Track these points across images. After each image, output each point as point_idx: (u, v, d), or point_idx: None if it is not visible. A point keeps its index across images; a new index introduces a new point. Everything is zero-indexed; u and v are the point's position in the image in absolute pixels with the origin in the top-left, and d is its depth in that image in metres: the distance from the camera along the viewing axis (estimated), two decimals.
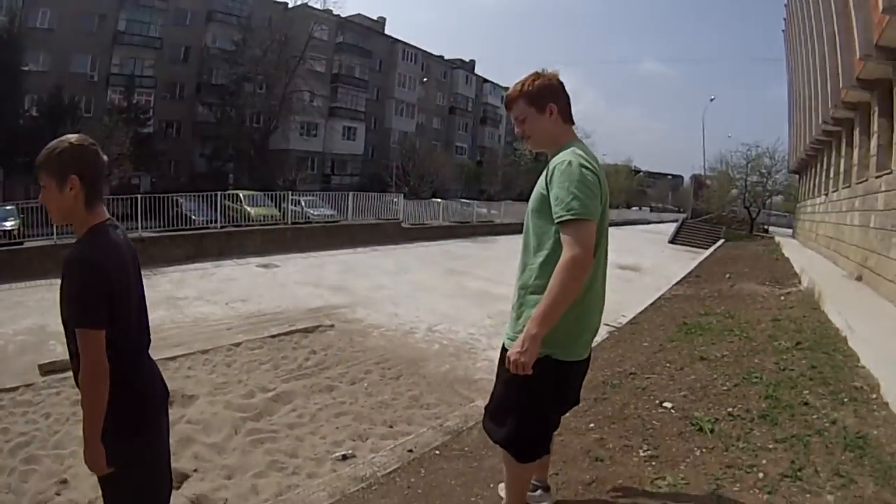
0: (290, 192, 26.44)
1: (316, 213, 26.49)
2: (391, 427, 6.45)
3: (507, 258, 19.62)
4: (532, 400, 2.72)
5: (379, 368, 8.60)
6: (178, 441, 5.58)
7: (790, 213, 46.46)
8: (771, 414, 4.38)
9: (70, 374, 7.08)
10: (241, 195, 25.89)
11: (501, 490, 3.35)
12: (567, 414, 3.18)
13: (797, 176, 36.41)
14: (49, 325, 10.94)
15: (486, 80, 74.47)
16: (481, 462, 4.06)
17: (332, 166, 55.11)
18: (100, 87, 39.80)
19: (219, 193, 23.27)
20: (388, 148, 57.37)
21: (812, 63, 22.52)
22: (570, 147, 2.66)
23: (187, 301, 12.99)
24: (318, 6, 49.61)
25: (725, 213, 48.31)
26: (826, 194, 21.10)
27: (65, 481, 5.13)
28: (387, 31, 62.45)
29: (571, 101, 2.84)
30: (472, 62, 75.10)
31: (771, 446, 3.84)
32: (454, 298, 14.36)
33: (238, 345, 9.45)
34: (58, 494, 4.98)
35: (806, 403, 4.57)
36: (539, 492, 3.27)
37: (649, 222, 64.05)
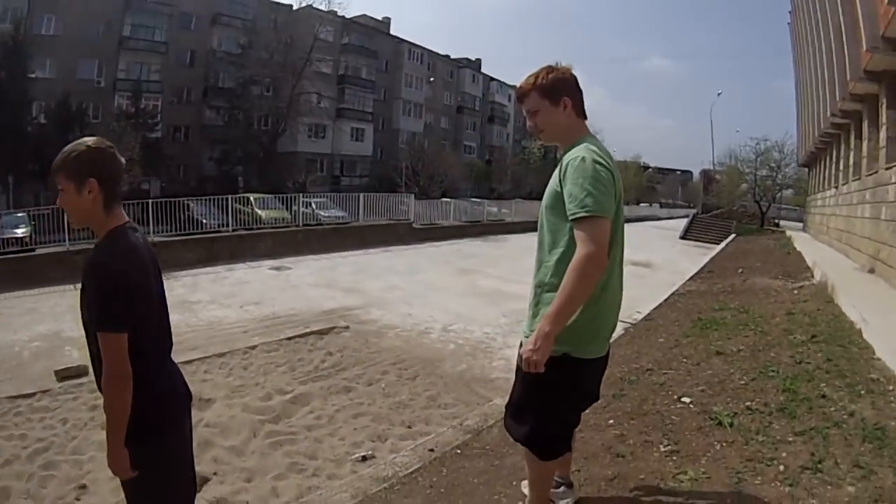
0: (300, 195, 26.54)
1: (326, 214, 26.44)
2: (410, 427, 6.41)
3: (520, 256, 19.73)
4: (552, 398, 2.73)
5: (395, 369, 8.55)
6: (197, 445, 5.51)
7: (800, 207, 46.33)
8: (789, 407, 4.41)
9: (86, 379, 7.16)
10: (251, 198, 25.92)
11: (524, 487, 3.35)
12: (587, 411, 3.17)
13: (807, 169, 36.30)
14: (63, 330, 11.00)
15: (492, 79, 74.55)
16: (503, 460, 4.07)
17: (342, 168, 55.21)
18: (107, 92, 40.03)
19: (229, 197, 23.32)
20: (396, 148, 57.30)
21: (819, 56, 22.48)
22: (584, 142, 2.65)
23: (201, 305, 13.00)
24: (322, 7, 49.73)
25: (735, 208, 48.15)
26: (836, 187, 21.04)
27: (84, 486, 5.12)
28: (392, 32, 62.50)
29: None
30: (479, 61, 75.07)
31: (790, 439, 3.87)
32: (468, 297, 14.32)
33: (254, 348, 9.40)
34: (77, 500, 4.97)
35: (823, 396, 4.60)
36: (562, 488, 3.26)
37: (659, 218, 63.70)
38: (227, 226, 22.19)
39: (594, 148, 2.59)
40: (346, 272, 17.94)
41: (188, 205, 21.71)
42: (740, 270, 14.32)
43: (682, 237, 38.30)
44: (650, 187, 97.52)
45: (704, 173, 62.41)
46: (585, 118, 2.83)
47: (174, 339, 2.65)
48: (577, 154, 2.55)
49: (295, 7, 49.91)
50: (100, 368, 2.25)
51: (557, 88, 2.72)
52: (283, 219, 24.40)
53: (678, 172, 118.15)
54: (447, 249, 24.78)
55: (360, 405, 7.09)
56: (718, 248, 24.32)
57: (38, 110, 36.15)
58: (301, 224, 24.28)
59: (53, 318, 11.96)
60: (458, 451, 4.35)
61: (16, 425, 6.62)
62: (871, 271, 12.17)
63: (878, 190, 12.79)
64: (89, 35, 39.02)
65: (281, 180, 41.26)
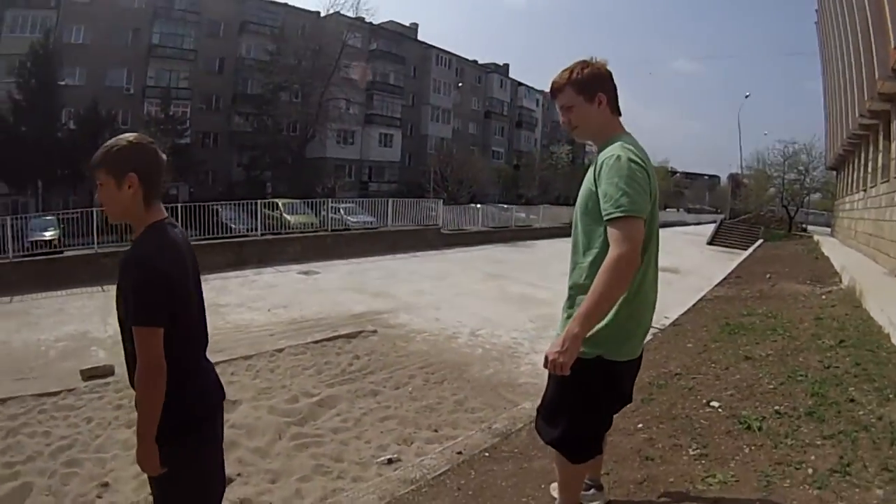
0: (328, 200, 26.74)
1: (355, 220, 26.69)
2: (436, 431, 6.39)
3: (548, 262, 19.76)
4: (584, 401, 2.70)
5: (422, 373, 8.54)
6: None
7: (828, 212, 45.73)
8: (817, 411, 4.39)
9: (111, 379, 7.26)
10: (279, 203, 26.14)
11: (554, 490, 3.35)
12: (616, 414, 3.12)
13: (835, 173, 35.91)
14: (90, 331, 11.18)
15: (520, 84, 74.55)
16: (531, 463, 4.08)
17: (370, 173, 55.43)
18: (136, 99, 40.74)
19: (258, 202, 23.44)
20: (424, 154, 57.47)
21: (846, 56, 22.21)
22: (619, 140, 2.60)
23: (229, 308, 13.15)
24: (350, 14, 50.00)
25: (763, 213, 47.61)
26: (864, 190, 20.77)
27: (106, 484, 5.14)
28: (419, 38, 62.77)
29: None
30: (506, 66, 75.10)
31: (819, 443, 3.86)
32: (496, 303, 14.32)
33: (281, 350, 9.41)
34: (99, 497, 4.99)
35: (852, 400, 4.57)
36: (592, 491, 3.26)
37: (687, 224, 63.25)
38: (256, 230, 22.36)
39: (629, 146, 2.55)
40: (375, 277, 18.03)
41: (217, 209, 22.00)
42: (768, 276, 14.20)
43: (710, 243, 38.07)
44: (677, 192, 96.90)
45: (732, 177, 61.83)
46: (620, 115, 2.78)
47: None
48: (612, 152, 2.51)
49: (322, 14, 50.34)
50: (134, 365, 2.24)
51: (593, 84, 2.67)
52: (311, 224, 24.61)
53: (705, 177, 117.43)
54: (475, 255, 24.82)
55: (386, 408, 7.09)
56: (746, 253, 24.12)
57: (68, 117, 36.95)
58: (329, 229, 24.46)
59: (80, 318, 12.15)
60: (487, 454, 4.35)
61: (40, 423, 6.70)
62: None
63: None
64: (118, 43, 39.77)
65: (310, 186, 41.55)
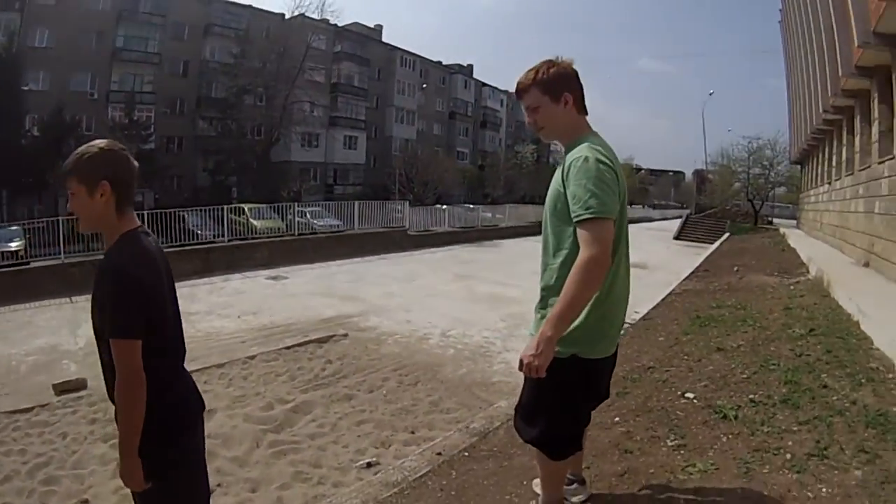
0: (294, 204, 26.61)
1: (321, 223, 26.56)
2: (413, 433, 6.41)
3: (515, 261, 19.86)
4: (562, 400, 2.70)
5: (396, 375, 8.56)
6: None
7: (793, 205, 46.42)
8: (792, 398, 4.45)
9: (84, 392, 7.12)
10: (245, 208, 25.92)
11: (536, 486, 3.35)
12: (594, 409, 3.15)
13: (799, 167, 36.44)
14: (61, 343, 10.99)
15: (484, 84, 74.87)
16: (511, 460, 4.08)
17: (335, 176, 55.28)
18: (100, 104, 40.14)
19: (224, 207, 23.14)
20: (389, 156, 57.49)
21: (810, 53, 22.58)
22: (586, 140, 2.58)
23: (199, 316, 12.96)
24: (315, 16, 49.97)
25: (729, 207, 48.10)
26: (829, 183, 21.14)
27: (86, 501, 5.08)
28: (384, 39, 62.80)
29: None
30: (470, 66, 75.43)
31: (795, 428, 3.91)
32: (465, 303, 14.37)
33: (253, 357, 9.36)
34: None
35: (825, 386, 4.65)
36: (575, 485, 3.26)
37: (652, 220, 63.86)
38: (223, 236, 22.13)
39: (597, 147, 2.53)
40: (343, 280, 17.97)
41: (183, 216, 21.76)
42: (736, 268, 14.37)
43: (676, 238, 38.49)
44: (643, 189, 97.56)
45: (697, 173, 62.63)
46: (587, 114, 2.76)
47: None
48: (580, 153, 2.49)
49: (287, 16, 50.14)
50: (111, 377, 2.20)
51: (559, 84, 2.64)
52: (277, 228, 24.36)
53: (671, 173, 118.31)
54: (443, 255, 24.87)
55: (362, 412, 7.10)
56: (713, 247, 24.36)
57: (32, 123, 36.27)
58: (296, 233, 24.30)
59: (50, 331, 11.93)
60: (466, 454, 4.33)
61: (14, 440, 6.56)
62: (866, 265, 12.24)
63: (871, 184, 12.86)
64: (82, 47, 39.04)
65: (275, 190, 41.37)
